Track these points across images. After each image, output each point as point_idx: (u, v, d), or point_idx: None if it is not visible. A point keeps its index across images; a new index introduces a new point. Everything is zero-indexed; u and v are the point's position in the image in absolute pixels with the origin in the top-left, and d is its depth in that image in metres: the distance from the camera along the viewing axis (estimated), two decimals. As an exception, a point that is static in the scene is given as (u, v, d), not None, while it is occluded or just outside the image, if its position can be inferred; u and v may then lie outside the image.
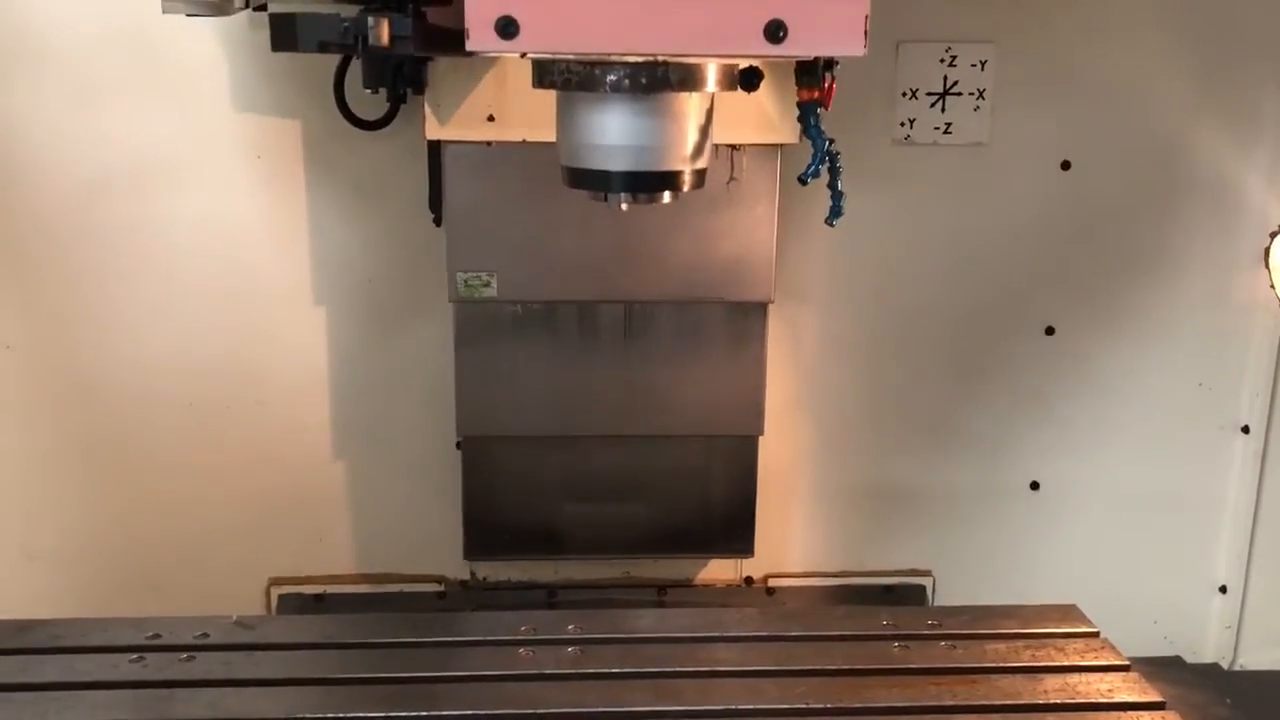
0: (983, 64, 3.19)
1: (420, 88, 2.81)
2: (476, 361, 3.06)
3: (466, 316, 3.03)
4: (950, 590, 3.52)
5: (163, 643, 2.26)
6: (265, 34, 2.42)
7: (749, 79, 2.08)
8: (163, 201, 3.13)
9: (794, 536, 3.50)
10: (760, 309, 3.07)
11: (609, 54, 1.91)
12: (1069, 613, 2.46)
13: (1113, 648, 2.34)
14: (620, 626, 2.42)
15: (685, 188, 2.13)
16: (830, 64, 2.10)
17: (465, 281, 2.94)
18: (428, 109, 2.80)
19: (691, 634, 2.37)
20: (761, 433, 3.17)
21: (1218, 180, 3.30)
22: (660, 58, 1.93)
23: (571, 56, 1.95)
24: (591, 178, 2.11)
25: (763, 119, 2.78)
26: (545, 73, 2.02)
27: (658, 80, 1.96)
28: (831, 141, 2.23)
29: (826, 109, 2.16)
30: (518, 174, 2.86)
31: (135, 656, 2.21)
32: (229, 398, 3.27)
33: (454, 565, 3.41)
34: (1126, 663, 2.29)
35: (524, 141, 2.80)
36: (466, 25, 1.77)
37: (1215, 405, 3.47)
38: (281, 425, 3.30)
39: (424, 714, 2.07)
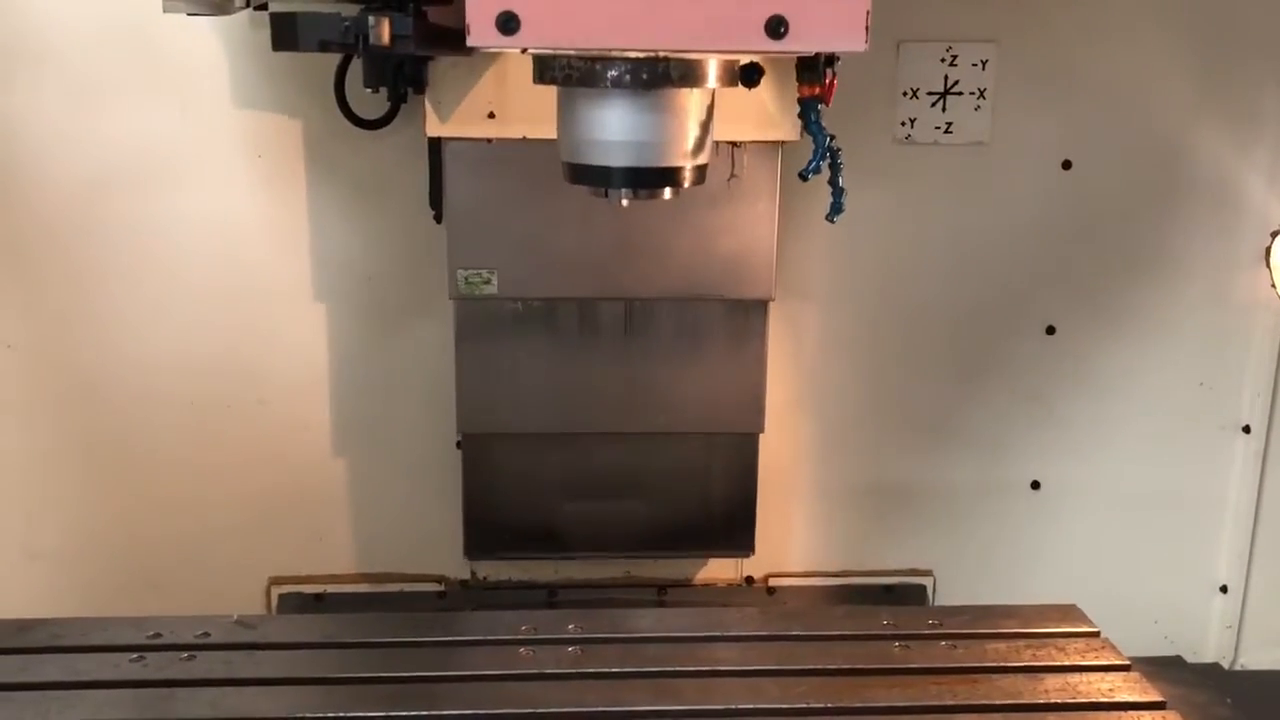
0: (983, 63, 3.19)
1: (421, 87, 2.81)
2: (477, 359, 3.06)
3: (467, 314, 3.03)
4: (951, 590, 3.52)
5: (163, 642, 2.26)
6: (266, 33, 2.42)
7: (750, 75, 2.08)
8: (163, 200, 3.13)
9: (794, 536, 3.50)
10: (761, 306, 3.07)
11: (610, 49, 1.90)
12: (1070, 612, 2.46)
13: (1113, 647, 2.34)
14: (621, 626, 2.42)
15: (686, 183, 2.13)
16: (831, 60, 2.10)
17: (466, 278, 2.94)
18: (428, 105, 2.80)
19: (692, 634, 2.37)
20: (762, 430, 3.17)
21: (1218, 180, 3.30)
22: (661, 53, 1.93)
23: (572, 52, 1.95)
24: (592, 173, 2.11)
25: (763, 116, 2.78)
26: (546, 68, 2.02)
27: (659, 76, 1.96)
28: (833, 138, 2.23)
29: (828, 105, 2.16)
30: (518, 171, 2.86)
31: (136, 656, 2.21)
32: (230, 397, 3.27)
33: (454, 565, 3.41)
34: (1127, 662, 2.29)
35: (524, 138, 2.80)
36: (467, 21, 1.76)
37: (1216, 405, 3.47)
38: (282, 424, 3.31)
39: (424, 713, 2.07)
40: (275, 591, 3.40)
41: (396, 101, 2.94)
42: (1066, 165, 3.28)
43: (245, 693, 2.12)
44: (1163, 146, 3.28)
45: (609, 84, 1.97)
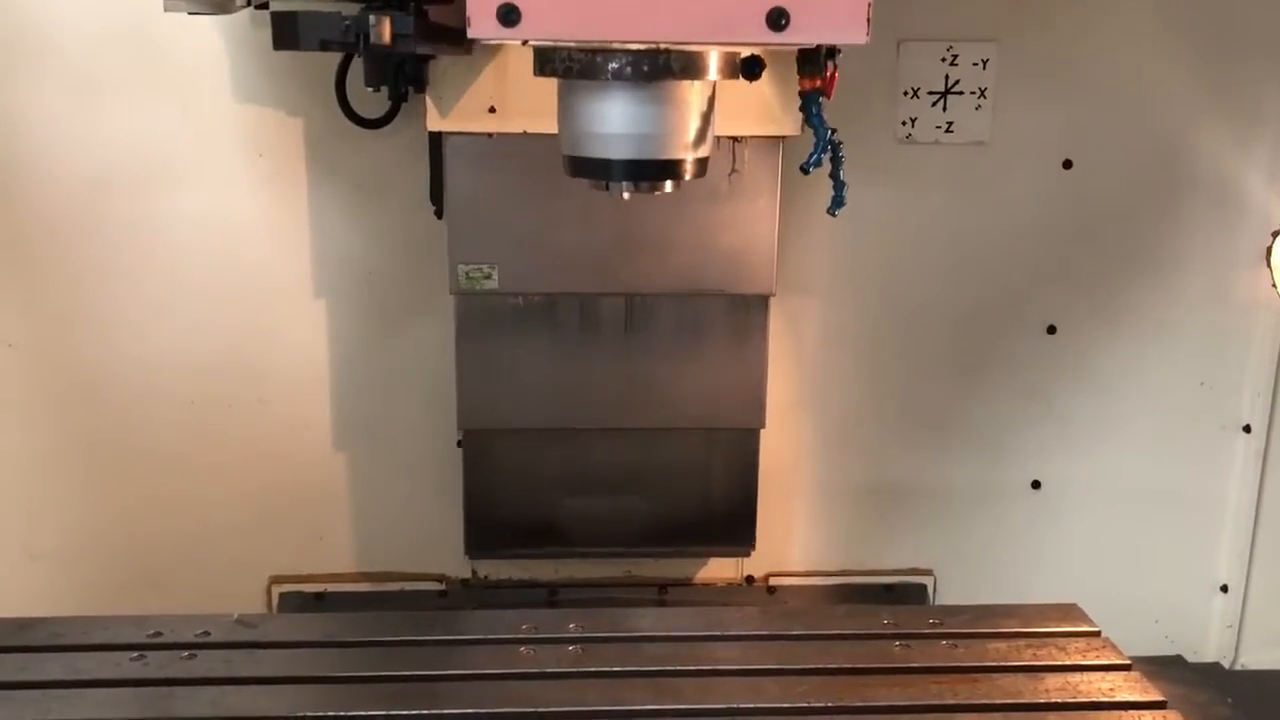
0: (984, 63, 3.19)
1: (421, 86, 2.80)
2: (477, 354, 3.06)
3: (467, 309, 3.03)
4: (951, 589, 3.52)
5: (164, 641, 2.26)
6: (267, 32, 2.41)
7: (751, 68, 2.08)
8: (164, 199, 3.12)
9: (795, 535, 3.50)
10: (762, 302, 3.06)
11: (611, 41, 1.91)
12: (1070, 612, 2.46)
13: (1114, 647, 2.34)
14: (621, 625, 2.41)
15: (687, 176, 2.12)
16: (832, 53, 2.10)
17: (466, 274, 2.94)
18: (429, 100, 2.79)
19: (692, 633, 2.37)
20: (763, 425, 3.16)
21: (1219, 179, 3.30)
22: (662, 45, 1.93)
23: (573, 44, 1.95)
24: (593, 166, 2.11)
25: (764, 111, 2.78)
26: (547, 61, 2.02)
27: (659, 68, 1.96)
28: (834, 131, 2.23)
29: (829, 98, 2.15)
30: (519, 166, 2.86)
31: (136, 655, 2.21)
32: (230, 395, 3.27)
33: (455, 564, 3.40)
34: (1128, 662, 2.29)
35: (525, 133, 2.80)
36: (468, 13, 1.77)
37: (1216, 404, 3.47)
38: (283, 423, 3.30)
39: (425, 712, 2.07)
40: (276, 590, 3.40)
41: (397, 100, 2.94)
42: (1067, 164, 3.27)
43: (246, 691, 2.12)
44: (1163, 145, 3.28)
45: (610, 76, 1.97)
